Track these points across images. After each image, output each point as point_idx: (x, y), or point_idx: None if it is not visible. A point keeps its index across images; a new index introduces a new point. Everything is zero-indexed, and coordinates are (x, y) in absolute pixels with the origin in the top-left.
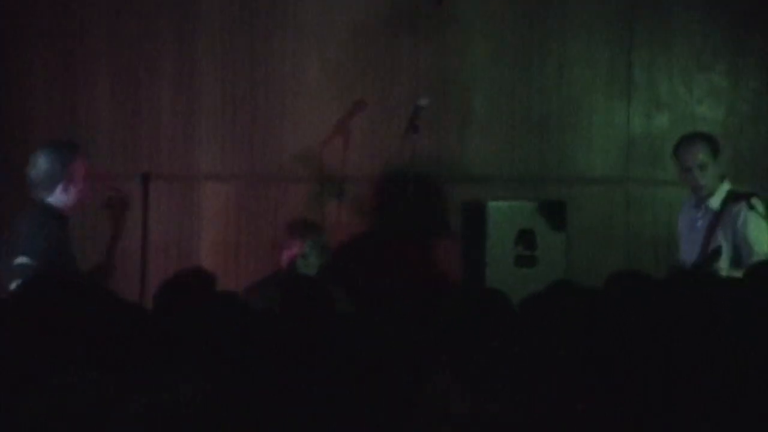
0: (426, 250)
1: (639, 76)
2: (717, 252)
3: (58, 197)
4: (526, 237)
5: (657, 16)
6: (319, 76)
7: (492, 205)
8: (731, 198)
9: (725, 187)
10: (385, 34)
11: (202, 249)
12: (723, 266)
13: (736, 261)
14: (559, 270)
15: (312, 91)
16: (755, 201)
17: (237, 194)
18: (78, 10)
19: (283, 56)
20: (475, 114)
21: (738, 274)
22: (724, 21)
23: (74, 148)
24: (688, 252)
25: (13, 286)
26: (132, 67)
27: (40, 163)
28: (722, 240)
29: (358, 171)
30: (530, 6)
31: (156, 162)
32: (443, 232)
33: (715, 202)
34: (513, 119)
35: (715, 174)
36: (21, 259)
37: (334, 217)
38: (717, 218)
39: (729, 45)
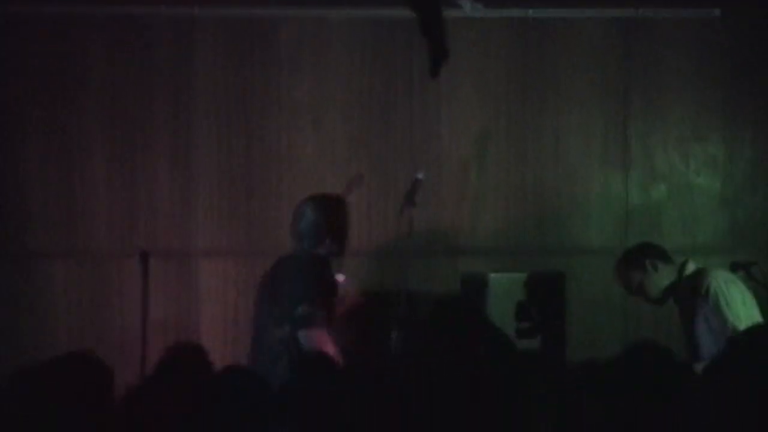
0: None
1: (635, 146)
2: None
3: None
4: (525, 309)
5: (652, 87)
6: (315, 151)
7: (493, 276)
8: (688, 286)
9: (688, 270)
10: (381, 109)
11: (201, 325)
12: None
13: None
14: (559, 341)
15: (308, 166)
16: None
17: (234, 270)
18: (73, 89)
19: (279, 132)
20: (472, 187)
21: None
22: (718, 91)
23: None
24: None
25: (302, 334)
26: (127, 145)
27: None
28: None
29: (356, 245)
30: (525, 79)
31: (153, 239)
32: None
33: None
34: (509, 191)
35: (660, 280)
36: (302, 308)
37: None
38: (692, 308)
39: (724, 115)
